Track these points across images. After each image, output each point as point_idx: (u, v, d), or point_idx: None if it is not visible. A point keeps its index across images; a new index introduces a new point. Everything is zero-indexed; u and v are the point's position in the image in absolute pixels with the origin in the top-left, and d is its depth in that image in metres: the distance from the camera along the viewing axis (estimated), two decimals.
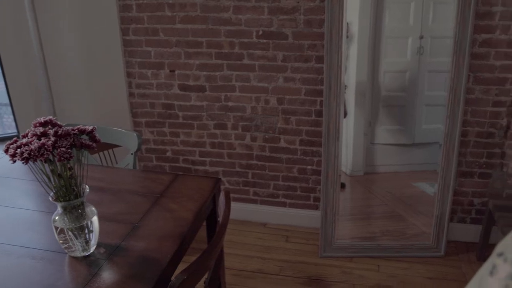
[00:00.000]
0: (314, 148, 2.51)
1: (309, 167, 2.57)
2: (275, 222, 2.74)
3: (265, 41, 2.35)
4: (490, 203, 2.35)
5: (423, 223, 2.55)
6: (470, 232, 2.53)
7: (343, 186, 2.83)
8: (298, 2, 2.25)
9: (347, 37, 2.42)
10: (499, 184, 2.44)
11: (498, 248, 0.53)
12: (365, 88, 2.93)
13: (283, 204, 2.71)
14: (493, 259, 0.53)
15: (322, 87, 2.29)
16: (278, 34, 2.32)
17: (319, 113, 2.41)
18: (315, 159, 2.54)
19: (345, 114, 2.79)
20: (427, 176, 2.69)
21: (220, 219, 1.46)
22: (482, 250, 2.40)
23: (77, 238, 1.22)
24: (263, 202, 2.73)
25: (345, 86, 2.67)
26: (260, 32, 2.34)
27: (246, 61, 2.41)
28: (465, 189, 2.48)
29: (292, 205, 2.70)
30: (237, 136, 2.58)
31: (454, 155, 2.29)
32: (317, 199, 2.62)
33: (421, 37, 2.76)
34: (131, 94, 2.62)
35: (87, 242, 1.24)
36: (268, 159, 2.60)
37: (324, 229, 2.43)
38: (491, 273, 0.51)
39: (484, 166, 2.41)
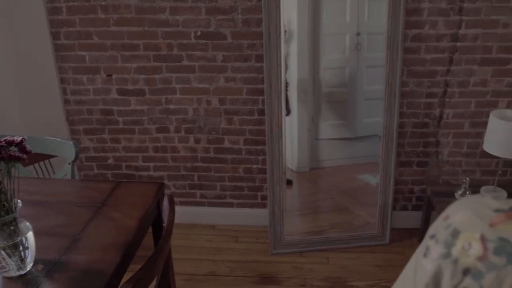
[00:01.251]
0: (259, 147, 2.52)
1: (254, 166, 2.58)
2: (224, 223, 2.72)
3: (204, 41, 2.33)
4: (428, 189, 2.46)
5: (368, 214, 2.63)
6: (412, 219, 2.65)
7: (290, 183, 2.85)
8: (235, 2, 2.24)
9: (285, 31, 2.44)
10: (435, 171, 2.56)
11: (430, 231, 0.55)
12: (307, 85, 2.97)
13: (231, 205, 2.70)
14: (426, 241, 0.55)
15: (263, 86, 2.30)
16: (216, 34, 2.31)
17: (262, 112, 2.41)
18: (260, 157, 2.55)
19: (289, 112, 2.82)
20: (370, 168, 2.77)
21: (165, 224, 1.43)
22: (423, 235, 2.49)
23: (10, 257, 1.15)
24: (210, 204, 2.71)
25: (287, 83, 2.69)
26: (199, 33, 2.31)
27: (185, 62, 2.37)
28: (405, 178, 2.58)
29: (239, 205, 2.69)
30: (181, 139, 2.54)
31: (393, 146, 2.38)
32: (264, 198, 2.63)
33: (358, 34, 2.83)
34: (66, 101, 2.51)
35: (22, 260, 1.17)
36: (213, 161, 2.58)
37: (273, 226, 2.44)
38: (425, 254, 0.53)
39: (421, 155, 2.52)
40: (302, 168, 3.07)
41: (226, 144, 2.54)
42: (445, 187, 2.53)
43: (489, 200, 0.51)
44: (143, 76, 2.41)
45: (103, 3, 2.28)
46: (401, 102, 2.36)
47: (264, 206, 2.65)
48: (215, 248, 2.54)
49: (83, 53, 2.39)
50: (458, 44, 2.27)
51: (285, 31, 2.41)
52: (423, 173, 2.56)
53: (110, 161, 2.63)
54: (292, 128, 2.95)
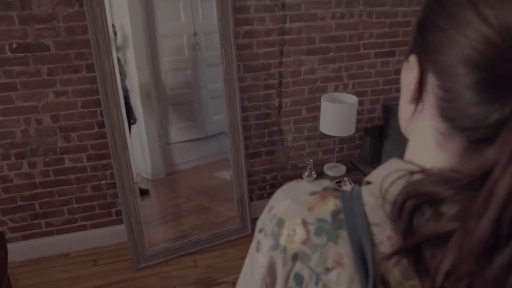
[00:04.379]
0: (105, 161, 2.37)
1: (103, 182, 2.42)
2: (79, 248, 2.51)
3: (22, 55, 2.08)
4: (279, 175, 2.60)
5: (228, 209, 2.68)
6: None
7: (146, 192, 2.75)
8: (54, 9, 2.05)
9: (115, 40, 2.32)
10: (282, 157, 2.72)
11: (259, 225, 0.55)
12: (150, 90, 2.89)
13: (84, 228, 2.49)
14: (256, 236, 0.55)
15: (99, 96, 2.16)
16: (37, 45, 2.09)
17: (102, 124, 2.27)
18: (108, 172, 2.40)
19: (135, 120, 2.70)
20: (223, 164, 2.81)
21: None
22: None
23: None
24: (60, 232, 2.47)
25: (128, 91, 2.58)
26: (15, 46, 2.06)
27: (3, 80, 2.09)
28: (257, 168, 2.68)
29: (93, 226, 2.51)
30: (11, 166, 2.25)
31: (240, 140, 2.45)
32: (119, 213, 2.50)
33: (195, 34, 2.84)
34: None
35: None
36: (55, 184, 2.35)
37: (133, 241, 2.33)
38: (257, 249, 0.53)
39: (268, 144, 2.64)
40: (158, 175, 2.99)
41: (68, 164, 2.33)
42: (293, 170, 2.71)
43: (305, 184, 0.53)
44: None
45: None
46: (241, 97, 2.44)
47: (120, 221, 2.51)
48: (72, 277, 2.32)
49: None
50: (286, 37, 2.42)
51: (115, 41, 2.29)
52: (272, 161, 2.70)
53: None
54: (141, 136, 2.84)
